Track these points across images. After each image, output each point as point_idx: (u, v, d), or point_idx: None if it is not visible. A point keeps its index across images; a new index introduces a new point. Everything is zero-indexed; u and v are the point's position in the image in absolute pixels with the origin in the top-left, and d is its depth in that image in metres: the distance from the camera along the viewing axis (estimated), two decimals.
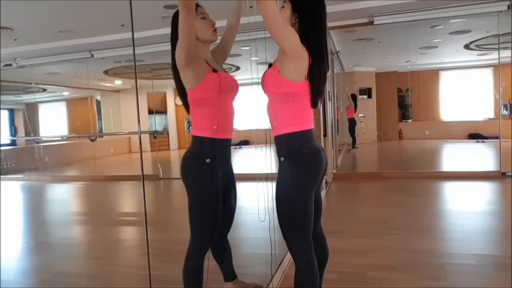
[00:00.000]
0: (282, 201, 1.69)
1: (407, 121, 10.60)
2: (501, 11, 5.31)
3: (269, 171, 2.69)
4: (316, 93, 1.69)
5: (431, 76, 10.66)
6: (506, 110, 5.62)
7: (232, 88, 1.86)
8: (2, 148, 9.19)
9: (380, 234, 3.31)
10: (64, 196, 6.60)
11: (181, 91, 1.86)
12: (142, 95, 10.27)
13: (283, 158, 1.70)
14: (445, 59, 9.70)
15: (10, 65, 7.83)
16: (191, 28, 1.61)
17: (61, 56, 7.34)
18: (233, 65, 8.48)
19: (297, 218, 1.68)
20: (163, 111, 12.30)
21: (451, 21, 6.04)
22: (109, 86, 11.62)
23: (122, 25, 5.69)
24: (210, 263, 1.81)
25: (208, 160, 1.77)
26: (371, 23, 5.70)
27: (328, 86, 6.10)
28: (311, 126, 1.73)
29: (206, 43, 1.86)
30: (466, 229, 3.39)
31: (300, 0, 1.68)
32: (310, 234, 1.71)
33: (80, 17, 5.28)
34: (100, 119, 11.80)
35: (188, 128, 5.36)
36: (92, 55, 7.17)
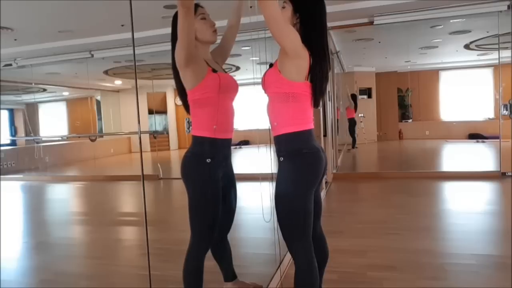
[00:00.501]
0: (281, 201, 1.69)
1: (407, 121, 10.60)
2: (501, 11, 5.31)
3: (269, 171, 2.70)
4: (319, 93, 1.70)
5: (431, 76, 10.66)
6: (506, 110, 5.62)
7: (231, 88, 1.86)
8: (2, 148, 9.20)
9: (380, 234, 3.31)
10: (64, 196, 6.60)
11: (181, 91, 1.86)
12: (142, 95, 10.27)
13: (282, 158, 1.70)
14: (445, 59, 9.70)
15: (10, 65, 7.83)
16: (190, 28, 1.61)
17: (61, 56, 7.33)
18: (233, 65, 8.49)
19: (297, 218, 1.68)
20: (163, 111, 12.30)
21: (451, 21, 6.04)
22: (109, 86, 11.62)
23: (122, 25, 5.69)
24: (210, 263, 1.81)
25: (208, 160, 1.77)
26: (371, 23, 5.69)
27: (328, 86, 6.09)
28: (311, 126, 1.73)
29: (206, 44, 1.86)
30: (466, 229, 3.39)
31: (300, 0, 1.68)
32: (310, 234, 1.71)
33: (80, 17, 5.28)
34: (100, 119, 11.80)
35: (188, 128, 5.37)
36: (92, 55, 7.16)
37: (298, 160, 1.68)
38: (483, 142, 9.73)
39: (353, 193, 5.37)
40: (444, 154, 9.29)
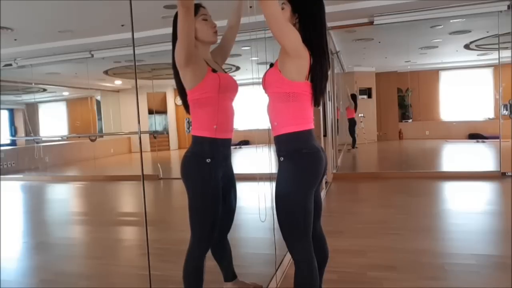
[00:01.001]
0: (281, 201, 1.69)
1: (407, 121, 10.60)
2: (501, 11, 5.31)
3: (269, 171, 2.70)
4: (319, 92, 1.70)
5: (431, 76, 10.66)
6: (506, 110, 5.62)
7: (231, 88, 1.87)
8: (2, 148, 9.20)
9: (380, 234, 3.31)
10: (64, 196, 6.60)
11: (181, 91, 1.86)
12: (142, 95, 10.27)
13: (282, 158, 1.70)
14: (445, 59, 9.70)
15: (10, 65, 7.83)
16: (190, 27, 1.62)
17: (61, 56, 7.33)
18: (233, 65, 8.49)
19: (297, 218, 1.67)
20: (163, 111, 12.31)
21: (451, 21, 6.04)
22: (109, 86, 11.62)
23: (122, 25, 5.69)
24: (210, 263, 1.81)
25: (208, 160, 1.77)
26: (371, 23, 5.70)
27: (328, 86, 6.09)
28: (311, 126, 1.73)
29: (206, 44, 1.86)
30: (466, 229, 3.39)
31: (299, 0, 1.68)
32: (310, 234, 1.71)
33: (80, 17, 5.28)
34: (100, 119, 11.80)
35: (188, 128, 5.37)
36: (92, 55, 7.16)
37: (298, 160, 1.68)
38: (483, 142, 9.73)
39: (353, 193, 5.37)
40: (444, 154, 9.29)
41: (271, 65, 1.75)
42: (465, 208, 4.23)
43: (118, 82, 11.19)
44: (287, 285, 2.37)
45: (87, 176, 8.33)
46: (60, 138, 11.50)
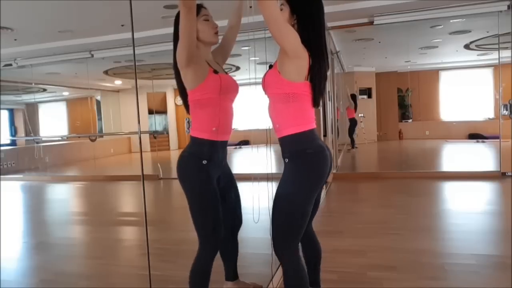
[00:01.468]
0: (282, 201, 1.68)
1: (407, 121, 10.60)
2: (501, 11, 5.31)
3: (269, 171, 2.69)
4: (318, 92, 1.70)
5: (431, 76, 10.66)
6: (506, 110, 5.63)
7: (232, 89, 1.87)
8: (2, 148, 9.20)
9: (380, 234, 3.31)
10: (64, 196, 6.60)
11: (181, 91, 1.86)
12: (142, 95, 10.27)
13: (287, 160, 1.70)
14: (445, 59, 9.70)
15: (10, 65, 7.83)
16: (192, 28, 1.62)
17: (61, 56, 7.34)
18: (233, 65, 8.49)
19: (294, 219, 1.67)
20: (163, 111, 12.30)
21: (451, 21, 6.04)
22: (109, 86, 11.62)
23: (122, 25, 5.69)
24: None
25: (204, 162, 1.77)
26: (371, 23, 5.70)
27: (328, 86, 6.10)
28: (313, 125, 1.73)
29: (208, 45, 1.86)
30: (466, 229, 3.39)
31: (298, 1, 1.68)
32: (300, 237, 1.71)
33: (80, 17, 5.28)
34: (100, 119, 11.80)
35: (188, 128, 5.36)
36: (92, 55, 7.17)
37: (303, 161, 1.67)
38: (483, 142, 9.73)
39: (353, 193, 5.37)
40: (444, 154, 9.29)
41: (270, 66, 1.75)
42: (465, 208, 4.23)
43: (118, 82, 11.19)
44: None
45: (87, 176, 8.33)
46: (60, 138, 11.50)
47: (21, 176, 8.40)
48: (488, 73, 10.20)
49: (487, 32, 6.83)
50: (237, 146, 10.71)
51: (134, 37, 2.17)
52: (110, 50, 6.94)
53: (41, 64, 7.78)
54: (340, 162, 7.48)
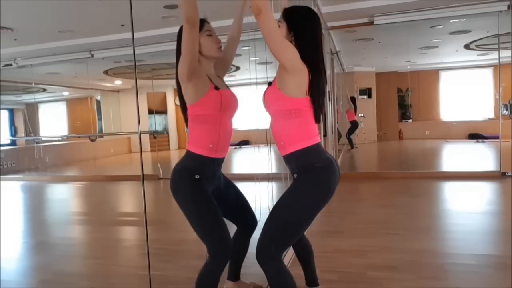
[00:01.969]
0: (283, 210, 1.67)
1: (407, 121, 10.60)
2: (501, 11, 5.32)
3: (269, 171, 2.70)
4: (317, 108, 1.70)
5: (431, 76, 10.67)
6: (506, 110, 5.63)
7: (232, 106, 1.86)
8: (2, 148, 9.20)
9: (380, 234, 3.31)
10: (64, 196, 6.60)
11: (182, 105, 1.85)
12: (142, 95, 10.27)
13: (296, 175, 1.70)
14: (445, 59, 9.70)
15: (10, 65, 7.83)
16: (194, 43, 1.62)
17: (61, 56, 7.34)
18: (233, 65, 8.49)
19: (291, 231, 1.69)
20: (163, 111, 12.31)
21: (451, 21, 6.04)
22: (109, 86, 11.62)
23: (122, 25, 5.69)
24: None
25: (197, 176, 1.76)
26: (371, 23, 5.70)
27: (328, 86, 6.10)
28: (318, 139, 1.73)
29: (210, 59, 1.86)
30: (466, 229, 3.39)
31: (294, 17, 1.69)
32: (288, 247, 1.72)
33: (80, 17, 5.28)
34: (100, 119, 11.80)
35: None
36: (92, 55, 7.17)
37: (312, 175, 1.67)
38: (483, 142, 9.73)
39: (353, 193, 5.36)
40: (444, 154, 9.29)
41: (269, 83, 1.75)
42: (465, 208, 4.23)
43: (118, 82, 11.19)
44: None
45: (87, 176, 8.33)
46: (60, 138, 11.50)
47: (21, 176, 8.41)
48: (488, 73, 10.20)
49: (487, 32, 6.83)
50: (237, 146, 10.71)
51: (134, 37, 2.17)
52: (110, 50, 6.94)
53: (41, 64, 7.78)
54: (340, 162, 7.48)
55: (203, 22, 1.80)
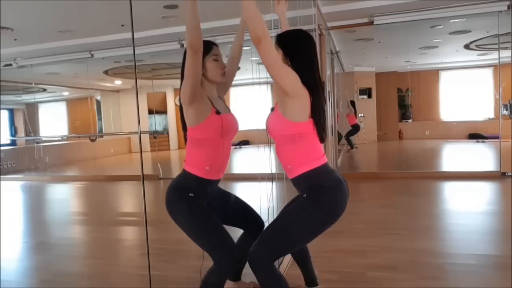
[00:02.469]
0: (288, 225, 1.67)
1: (407, 121, 10.60)
2: (501, 11, 5.32)
3: (270, 171, 2.70)
4: (320, 128, 1.71)
5: (431, 76, 10.67)
6: (506, 110, 5.63)
7: (232, 130, 1.87)
8: (2, 148, 9.20)
9: (380, 234, 3.31)
10: (64, 196, 6.60)
11: (184, 124, 1.86)
12: (142, 95, 10.28)
13: (306, 195, 1.69)
14: (445, 59, 9.70)
15: (10, 65, 7.84)
16: (197, 69, 1.63)
17: (61, 56, 7.34)
18: None
19: (290, 243, 1.71)
20: (163, 111, 12.30)
21: (451, 21, 6.04)
22: (109, 86, 11.62)
23: (122, 25, 5.69)
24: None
25: (191, 194, 1.77)
26: (371, 23, 5.70)
27: (328, 86, 6.11)
28: (325, 160, 1.73)
29: (213, 83, 1.86)
30: (466, 229, 3.39)
31: (287, 42, 1.70)
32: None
33: (80, 17, 5.28)
34: (100, 119, 11.81)
35: None
36: (92, 55, 7.17)
37: (322, 194, 1.66)
38: (483, 142, 9.73)
39: (353, 193, 5.33)
40: (444, 154, 9.29)
41: (272, 109, 1.76)
42: (465, 208, 4.23)
43: (118, 82, 11.19)
44: None
45: (87, 176, 8.33)
46: (60, 138, 11.50)
47: (21, 176, 8.41)
48: (488, 73, 10.20)
49: (487, 32, 6.83)
50: (237, 146, 10.71)
51: (134, 37, 2.17)
52: (110, 50, 6.95)
53: (41, 64, 7.79)
54: (340, 162, 7.48)
55: (211, 45, 1.81)
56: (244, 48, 2.11)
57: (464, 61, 9.87)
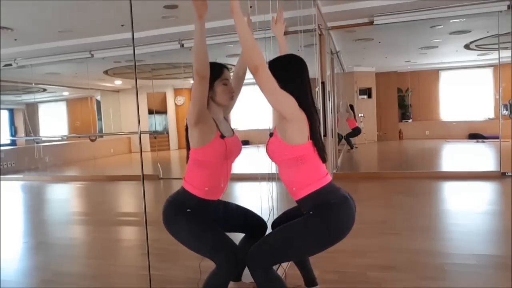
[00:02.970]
0: (294, 237, 1.67)
1: (407, 121, 10.60)
2: (501, 11, 5.32)
3: (270, 171, 2.70)
4: (320, 148, 1.71)
5: (431, 76, 10.67)
6: (506, 110, 5.63)
7: (235, 152, 1.88)
8: (2, 148, 9.20)
9: (380, 234, 3.31)
10: (64, 196, 6.60)
11: (187, 144, 1.85)
12: (142, 95, 10.27)
13: (312, 212, 1.69)
14: (445, 59, 9.70)
15: (10, 65, 7.84)
16: (203, 93, 1.64)
17: (61, 56, 7.34)
18: (234, 65, 8.48)
19: (291, 255, 1.73)
20: (163, 111, 12.30)
21: (451, 21, 6.04)
22: (109, 86, 11.62)
23: (122, 25, 5.69)
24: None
25: (188, 210, 1.77)
26: (371, 23, 5.70)
27: (328, 86, 6.10)
28: (329, 178, 1.73)
29: (220, 105, 1.86)
30: (466, 229, 3.39)
31: (278, 67, 1.70)
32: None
33: (80, 17, 5.28)
34: (100, 119, 11.81)
35: None
36: (92, 55, 7.17)
37: (328, 212, 1.67)
38: (483, 142, 9.73)
39: (353, 193, 5.32)
40: (444, 154, 9.29)
41: (271, 134, 1.77)
42: (465, 208, 4.23)
43: (118, 82, 11.19)
44: (287, 285, 2.37)
45: (87, 176, 8.33)
46: (60, 138, 11.50)
47: (21, 176, 8.41)
48: (488, 73, 10.20)
49: (487, 32, 6.83)
50: None
51: (134, 37, 2.17)
52: (110, 50, 6.95)
53: (41, 64, 7.79)
54: (340, 162, 7.48)
55: (222, 69, 1.81)
56: None
57: (464, 61, 9.87)
